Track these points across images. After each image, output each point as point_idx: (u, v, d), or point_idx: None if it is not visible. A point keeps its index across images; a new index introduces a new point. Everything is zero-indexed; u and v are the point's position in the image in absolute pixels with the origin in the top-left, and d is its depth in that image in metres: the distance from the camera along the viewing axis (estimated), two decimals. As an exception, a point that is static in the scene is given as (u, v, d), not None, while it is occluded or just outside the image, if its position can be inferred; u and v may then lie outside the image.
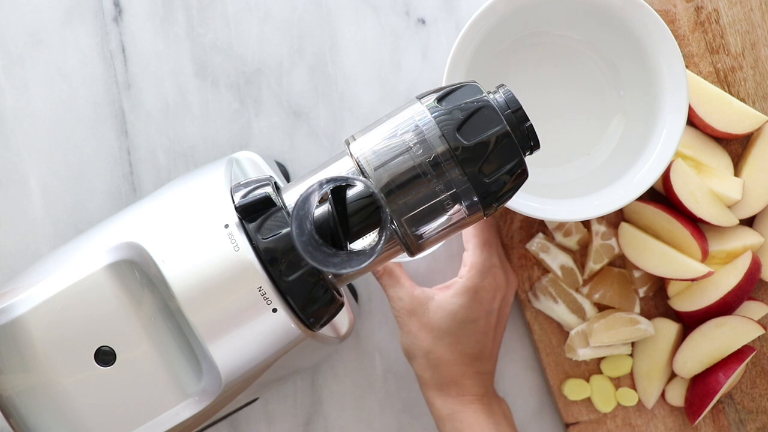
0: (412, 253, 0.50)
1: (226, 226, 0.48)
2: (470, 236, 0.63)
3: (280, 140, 0.68)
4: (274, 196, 0.48)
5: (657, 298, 0.68)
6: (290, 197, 0.50)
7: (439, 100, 0.48)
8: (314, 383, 0.69)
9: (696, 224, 0.66)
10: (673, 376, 0.68)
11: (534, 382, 0.69)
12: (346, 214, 0.48)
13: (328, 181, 0.46)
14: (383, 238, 0.46)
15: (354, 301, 0.66)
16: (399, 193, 0.47)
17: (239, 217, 0.48)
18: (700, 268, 0.64)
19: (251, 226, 0.48)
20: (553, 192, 0.64)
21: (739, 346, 0.66)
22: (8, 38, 0.67)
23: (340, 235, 0.47)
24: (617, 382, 0.69)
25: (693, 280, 0.65)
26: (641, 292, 0.67)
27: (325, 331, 0.55)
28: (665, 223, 0.65)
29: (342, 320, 0.60)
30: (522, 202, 0.61)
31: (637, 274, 0.67)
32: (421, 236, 0.48)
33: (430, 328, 0.61)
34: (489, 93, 0.49)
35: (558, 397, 0.68)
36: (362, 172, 0.48)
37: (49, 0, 0.67)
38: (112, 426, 0.48)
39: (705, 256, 0.65)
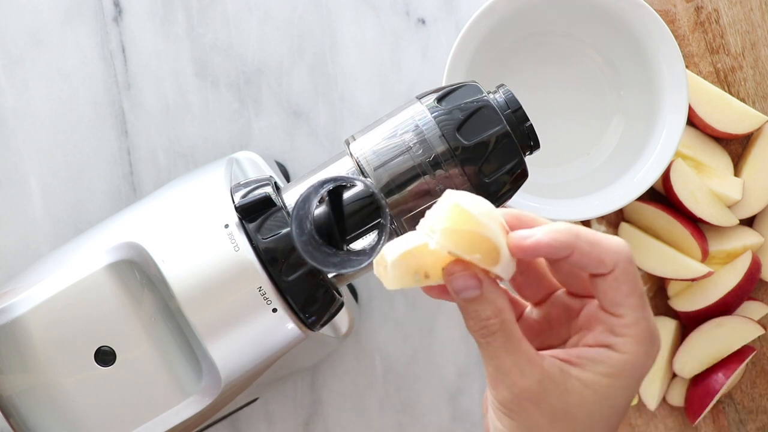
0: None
1: (226, 226, 0.48)
2: (623, 287, 0.40)
3: (280, 140, 0.68)
4: (274, 196, 0.48)
5: (657, 298, 0.68)
6: (290, 197, 0.50)
7: (439, 100, 0.48)
8: (314, 383, 0.69)
9: (696, 224, 0.66)
10: (673, 376, 0.68)
11: (534, 382, 0.69)
12: (343, 214, 0.48)
13: (328, 181, 0.46)
14: (383, 238, 0.46)
15: (354, 301, 0.66)
16: (399, 193, 0.47)
17: (239, 217, 0.48)
18: (700, 268, 0.64)
19: (251, 226, 0.48)
20: (553, 192, 0.64)
21: (739, 346, 0.66)
22: (8, 38, 0.67)
23: (335, 235, 0.47)
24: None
25: (693, 280, 0.65)
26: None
27: (325, 330, 0.55)
28: (665, 223, 0.65)
29: (342, 320, 0.60)
30: (522, 202, 0.61)
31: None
32: (421, 236, 0.48)
33: (571, 420, 0.40)
34: (489, 93, 0.49)
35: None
36: (362, 172, 0.48)
37: (49, 0, 0.67)
38: (112, 426, 0.48)
39: (705, 256, 0.65)
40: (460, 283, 0.39)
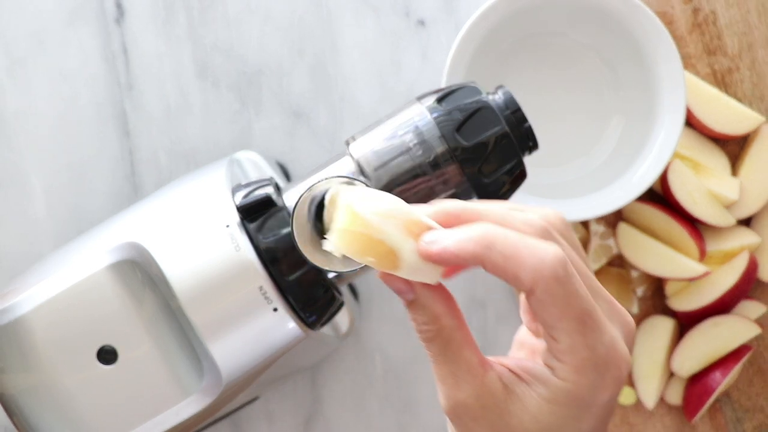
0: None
1: (227, 226, 0.48)
2: (550, 309, 0.35)
3: (281, 141, 0.68)
4: (274, 197, 0.48)
5: (655, 297, 0.69)
6: (291, 197, 0.50)
7: (439, 100, 0.48)
8: (314, 382, 0.69)
9: (693, 224, 0.66)
10: (671, 375, 0.68)
11: (533, 381, 0.70)
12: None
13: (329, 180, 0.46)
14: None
15: (354, 300, 0.66)
16: (399, 194, 0.47)
17: (240, 218, 0.48)
18: (698, 268, 0.64)
19: (252, 226, 0.48)
20: (552, 192, 0.64)
21: (736, 346, 0.66)
22: (11, 39, 0.67)
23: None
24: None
25: (691, 279, 0.65)
26: (639, 291, 0.68)
27: (326, 330, 0.55)
28: (663, 223, 0.66)
29: (342, 319, 0.60)
30: (521, 203, 0.61)
31: (635, 273, 0.68)
32: (420, 236, 0.49)
33: None
34: (488, 94, 0.49)
35: (557, 396, 0.68)
36: (362, 172, 0.48)
37: (51, 1, 0.67)
38: (114, 424, 0.49)
39: (703, 255, 0.65)
40: (393, 285, 0.37)
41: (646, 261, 0.66)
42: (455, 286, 0.68)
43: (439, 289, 0.37)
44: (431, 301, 0.37)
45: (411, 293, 0.37)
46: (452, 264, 0.36)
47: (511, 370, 0.37)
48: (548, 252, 0.34)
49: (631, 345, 0.38)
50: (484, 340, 0.68)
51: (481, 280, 0.68)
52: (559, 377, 0.36)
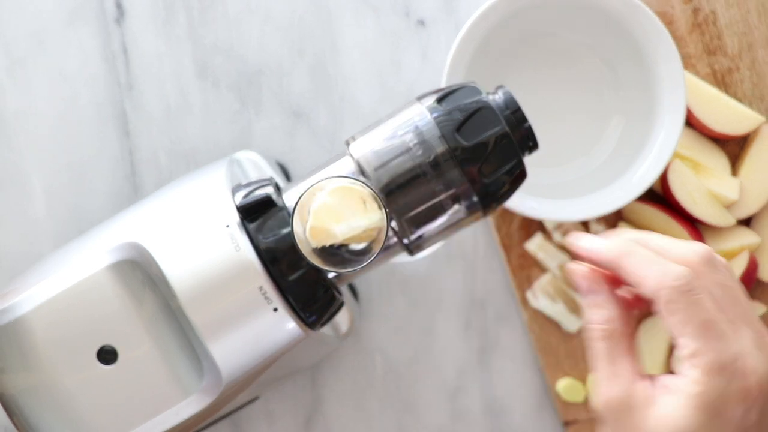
0: (411, 253, 0.50)
1: (228, 226, 0.48)
2: (671, 317, 0.40)
3: (281, 141, 0.68)
4: (274, 197, 0.48)
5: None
6: (291, 197, 0.50)
7: (439, 100, 0.48)
8: (315, 382, 0.69)
9: (693, 224, 0.66)
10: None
11: (533, 381, 0.70)
12: None
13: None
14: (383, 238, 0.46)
15: (354, 300, 0.66)
16: (399, 194, 0.47)
17: (240, 218, 0.48)
18: None
19: (252, 226, 0.48)
20: (552, 192, 0.64)
21: None
22: (11, 39, 0.67)
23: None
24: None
25: None
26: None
27: (326, 330, 0.55)
28: (663, 223, 0.66)
29: (342, 320, 0.60)
30: (521, 203, 0.61)
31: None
32: (420, 236, 0.49)
33: None
34: (488, 94, 0.49)
35: (556, 397, 0.69)
36: (362, 172, 0.48)
37: (51, 1, 0.67)
38: (114, 424, 0.49)
39: None
40: (581, 283, 0.43)
41: None
42: (455, 286, 0.68)
43: (619, 296, 0.43)
44: (611, 305, 0.42)
45: (600, 293, 0.43)
46: (592, 262, 0.42)
47: (657, 385, 0.41)
48: (675, 268, 0.40)
49: None
50: (485, 340, 0.68)
51: (481, 279, 0.68)
52: (689, 380, 0.39)
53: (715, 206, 0.66)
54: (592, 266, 0.44)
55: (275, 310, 0.47)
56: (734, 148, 0.68)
